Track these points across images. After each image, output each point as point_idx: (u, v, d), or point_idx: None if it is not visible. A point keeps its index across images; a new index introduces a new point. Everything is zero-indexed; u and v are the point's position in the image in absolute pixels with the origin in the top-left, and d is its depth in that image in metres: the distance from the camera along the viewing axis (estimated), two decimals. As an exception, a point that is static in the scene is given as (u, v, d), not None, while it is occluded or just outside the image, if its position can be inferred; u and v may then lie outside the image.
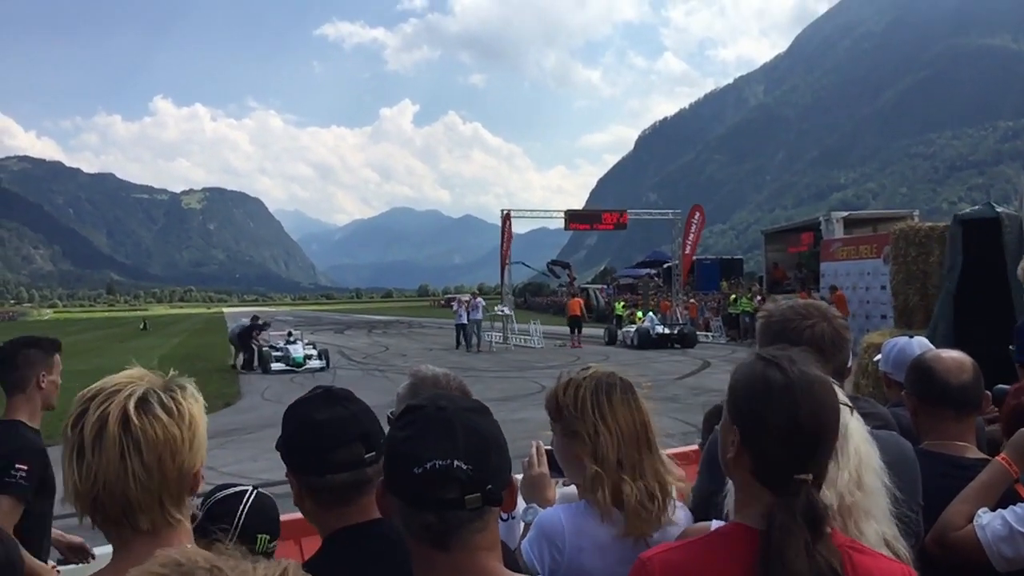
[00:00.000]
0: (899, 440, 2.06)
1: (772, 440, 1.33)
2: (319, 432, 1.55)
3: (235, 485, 2.15)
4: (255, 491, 2.11)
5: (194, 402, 1.38)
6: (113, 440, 1.28)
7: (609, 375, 1.98)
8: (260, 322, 24.32)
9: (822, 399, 1.36)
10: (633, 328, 27.19)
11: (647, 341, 25.49)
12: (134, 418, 1.29)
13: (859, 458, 1.51)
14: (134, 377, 1.36)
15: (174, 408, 1.33)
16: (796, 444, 1.33)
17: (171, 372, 1.42)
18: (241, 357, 22.88)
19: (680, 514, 1.97)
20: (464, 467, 1.15)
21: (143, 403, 1.31)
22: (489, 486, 1.18)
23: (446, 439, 1.17)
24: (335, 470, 1.53)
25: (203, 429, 1.39)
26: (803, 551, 1.26)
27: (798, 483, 1.32)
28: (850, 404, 1.58)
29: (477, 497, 1.16)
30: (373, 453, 1.56)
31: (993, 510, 2.08)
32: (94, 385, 1.35)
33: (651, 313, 29.76)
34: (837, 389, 1.58)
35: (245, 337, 22.98)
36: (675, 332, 26.45)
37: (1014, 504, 2.07)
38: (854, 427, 1.55)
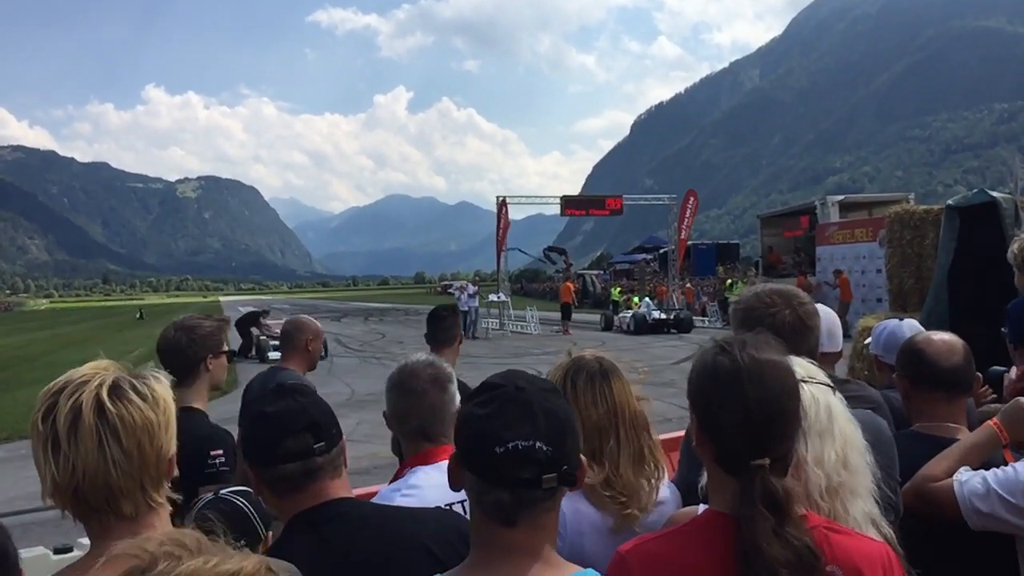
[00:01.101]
0: (875, 418, 2.06)
1: (725, 427, 1.33)
2: (268, 424, 1.60)
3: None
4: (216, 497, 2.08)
5: (165, 388, 1.38)
6: (89, 428, 1.27)
7: (587, 360, 1.94)
8: (261, 310, 24.33)
9: (773, 382, 1.34)
10: (629, 314, 27.14)
11: (643, 326, 25.47)
12: (109, 405, 1.28)
13: (844, 438, 1.51)
14: (100, 368, 1.35)
15: (148, 393, 1.33)
16: (748, 430, 1.32)
17: (150, 364, 1.43)
18: (240, 346, 22.85)
19: (668, 494, 1.96)
20: (544, 448, 1.17)
21: (116, 390, 1.30)
22: (565, 466, 1.20)
23: (527, 420, 1.18)
24: (285, 460, 1.58)
25: (174, 415, 1.39)
26: (773, 536, 1.26)
27: (755, 469, 1.30)
28: (831, 384, 1.59)
29: (553, 477, 1.18)
30: (323, 443, 1.61)
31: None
32: (59, 379, 1.33)
33: (647, 298, 29.77)
34: (818, 370, 1.60)
35: (245, 325, 22.96)
36: (671, 317, 26.43)
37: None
38: (837, 407, 1.54)
